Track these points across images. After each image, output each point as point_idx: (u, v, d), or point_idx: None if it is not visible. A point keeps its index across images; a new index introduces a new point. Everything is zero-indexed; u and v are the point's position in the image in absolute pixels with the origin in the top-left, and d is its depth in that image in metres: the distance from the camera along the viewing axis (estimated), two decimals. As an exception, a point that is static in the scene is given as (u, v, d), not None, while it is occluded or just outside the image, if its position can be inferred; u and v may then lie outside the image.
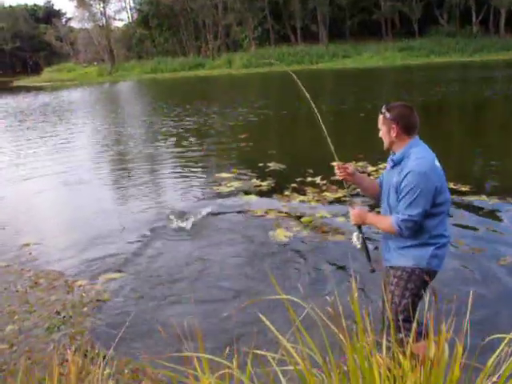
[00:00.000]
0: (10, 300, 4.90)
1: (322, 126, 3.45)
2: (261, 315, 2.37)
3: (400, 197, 3.01)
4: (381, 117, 3.10)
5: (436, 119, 14.60)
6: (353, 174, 3.32)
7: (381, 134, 3.14)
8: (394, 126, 3.02)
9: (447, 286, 4.22)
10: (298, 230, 6.25)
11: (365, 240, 3.34)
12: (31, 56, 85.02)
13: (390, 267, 3.28)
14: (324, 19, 52.01)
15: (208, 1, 56.69)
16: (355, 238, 3.34)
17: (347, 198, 3.52)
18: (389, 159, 3.23)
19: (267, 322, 2.28)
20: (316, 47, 49.56)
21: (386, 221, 3.14)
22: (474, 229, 5.97)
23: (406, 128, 3.03)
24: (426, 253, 3.12)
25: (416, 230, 3.06)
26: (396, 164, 3.10)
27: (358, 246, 3.33)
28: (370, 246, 3.65)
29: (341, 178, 3.35)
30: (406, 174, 2.95)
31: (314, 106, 3.32)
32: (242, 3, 54.31)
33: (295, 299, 2.37)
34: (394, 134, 3.04)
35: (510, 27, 45.79)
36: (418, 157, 2.98)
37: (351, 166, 3.35)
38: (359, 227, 3.31)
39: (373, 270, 3.30)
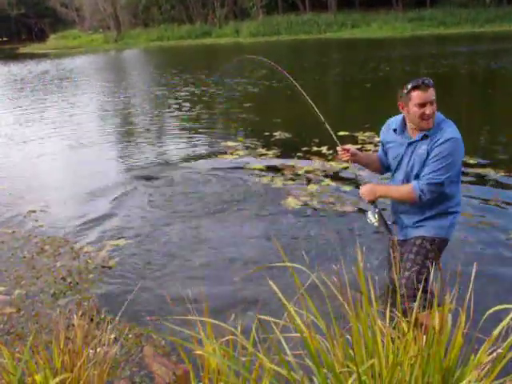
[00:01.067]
0: (17, 265, 4.94)
1: (317, 112, 3.69)
2: (269, 280, 2.39)
3: (429, 162, 3.00)
4: (432, 89, 3.03)
5: (442, 92, 14.44)
6: (355, 155, 3.44)
7: (433, 108, 3.04)
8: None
9: (453, 257, 4.22)
10: (307, 200, 6.24)
11: (381, 214, 3.29)
12: (36, 22, 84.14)
13: (404, 240, 3.30)
14: (333, -13, 51.12)
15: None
16: (371, 216, 3.30)
17: (356, 177, 3.48)
18: (392, 130, 3.30)
19: (274, 287, 2.29)
20: (324, 16, 48.71)
21: (403, 188, 3.13)
22: (484, 200, 5.93)
23: None
24: (446, 222, 3.18)
25: (436, 198, 3.08)
26: (427, 136, 3.07)
27: (375, 224, 3.29)
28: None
29: (344, 159, 3.49)
30: (443, 142, 2.96)
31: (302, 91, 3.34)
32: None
33: (301, 267, 2.37)
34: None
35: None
36: (452, 126, 3.04)
37: (352, 147, 3.47)
38: (373, 203, 3.28)
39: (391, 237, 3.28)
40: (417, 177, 3.12)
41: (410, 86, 3.03)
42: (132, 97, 17.41)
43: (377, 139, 8.58)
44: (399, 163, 3.25)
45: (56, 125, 12.41)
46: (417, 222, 3.21)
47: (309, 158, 7.90)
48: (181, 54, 39.02)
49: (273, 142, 9.11)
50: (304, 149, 8.39)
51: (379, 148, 3.59)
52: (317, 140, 8.79)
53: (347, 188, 6.55)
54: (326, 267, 3.64)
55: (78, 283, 4.50)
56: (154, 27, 60.11)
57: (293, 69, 21.29)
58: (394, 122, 3.36)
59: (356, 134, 8.87)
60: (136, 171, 8.03)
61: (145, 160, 8.69)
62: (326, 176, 7.06)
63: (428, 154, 3.02)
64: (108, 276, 4.64)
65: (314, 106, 3.49)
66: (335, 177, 7.03)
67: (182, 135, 10.63)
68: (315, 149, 8.37)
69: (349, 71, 19.44)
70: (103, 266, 4.82)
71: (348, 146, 3.46)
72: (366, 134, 8.95)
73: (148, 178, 7.58)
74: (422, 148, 3.05)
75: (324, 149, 8.29)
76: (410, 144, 3.17)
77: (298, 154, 8.13)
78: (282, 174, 7.25)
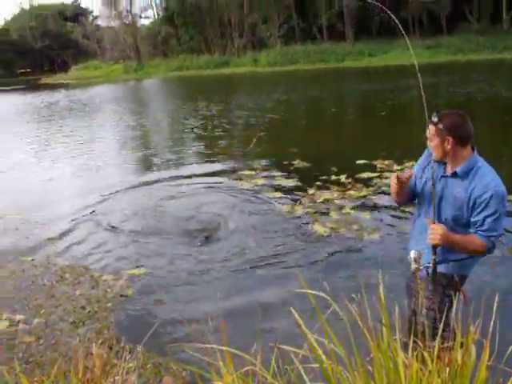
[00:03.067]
0: (37, 294, 4.97)
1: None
2: (292, 309, 2.36)
3: (484, 213, 2.84)
4: (432, 127, 2.92)
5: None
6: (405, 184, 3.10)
7: (431, 144, 2.96)
8: (448, 137, 2.86)
9: (478, 288, 4.15)
10: (334, 227, 6.24)
11: (436, 266, 2.94)
12: (59, 54, 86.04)
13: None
14: (351, 17, 51.62)
15: (234, -1, 56.76)
16: (415, 259, 2.95)
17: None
18: (434, 165, 2.98)
19: (296, 316, 2.27)
20: (342, 45, 49.15)
21: (475, 240, 2.89)
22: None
23: (462, 139, 2.88)
24: (469, 261, 3.09)
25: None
26: (459, 176, 2.92)
27: (415, 268, 2.95)
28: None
29: (396, 187, 3.08)
30: (490, 195, 2.81)
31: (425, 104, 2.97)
32: (268, 0, 54.19)
33: (323, 295, 2.35)
34: (448, 146, 2.88)
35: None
36: (495, 177, 2.89)
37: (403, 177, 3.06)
38: (434, 247, 2.90)
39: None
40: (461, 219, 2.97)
41: None
42: (153, 123, 17.63)
43: (395, 167, 8.54)
44: (429, 196, 3.02)
45: (71, 152, 12.60)
46: (458, 259, 3.05)
47: (328, 187, 7.88)
48: (199, 84, 39.55)
49: (291, 171, 9.11)
50: (323, 177, 8.37)
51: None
52: (335, 169, 8.78)
53: (367, 216, 6.53)
54: (348, 296, 3.60)
55: (96, 312, 4.51)
56: (173, 57, 61.06)
57: (310, 97, 21.46)
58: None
59: (374, 163, 8.85)
60: (153, 200, 8.08)
61: (165, 187, 8.73)
62: (345, 205, 7.03)
63: (474, 200, 2.86)
64: (127, 305, 4.64)
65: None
66: (355, 205, 7.00)
67: (201, 163, 10.69)
68: (334, 177, 8.36)
69: (365, 99, 19.51)
70: (121, 295, 4.82)
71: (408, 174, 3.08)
72: (386, 162, 8.92)
73: (167, 206, 7.63)
74: (463, 191, 2.89)
75: (343, 177, 8.27)
76: (443, 176, 3.01)
77: (317, 183, 8.11)
78: (301, 203, 7.23)
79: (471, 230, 2.90)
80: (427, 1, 47.38)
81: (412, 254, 2.97)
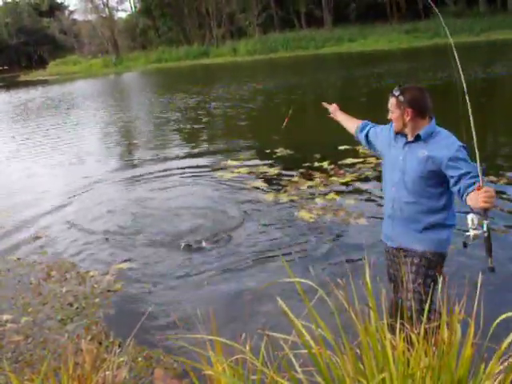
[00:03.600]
0: (24, 292, 4.94)
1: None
2: (278, 298, 2.38)
3: (460, 164, 2.87)
4: (393, 100, 3.08)
5: (440, 101, 14.49)
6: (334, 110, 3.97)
7: (392, 116, 3.11)
8: (408, 109, 3.01)
9: (459, 267, 4.21)
10: (320, 213, 6.27)
11: (490, 230, 2.70)
12: (36, 50, 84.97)
13: (401, 249, 3.23)
14: (328, 3, 51.56)
15: (211, -12, 56.38)
16: (474, 224, 2.69)
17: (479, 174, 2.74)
18: (396, 136, 3.20)
19: (283, 305, 2.29)
20: (321, 32, 49.07)
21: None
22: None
23: (421, 111, 3.03)
24: (444, 236, 3.13)
25: (434, 207, 3.08)
26: (422, 139, 3.04)
27: (474, 237, 2.69)
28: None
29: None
30: (457, 148, 2.91)
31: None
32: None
33: (308, 282, 2.37)
34: (408, 118, 3.03)
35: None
36: (455, 137, 3.03)
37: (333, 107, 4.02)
38: (485, 211, 2.66)
39: (492, 269, 2.70)
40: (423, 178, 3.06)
41: None
42: (131, 117, 17.52)
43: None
44: (393, 164, 3.20)
45: (56, 150, 12.48)
46: (414, 230, 3.15)
47: (311, 174, 7.90)
48: (178, 75, 39.29)
49: (275, 159, 9.13)
50: (306, 165, 8.40)
51: (371, 128, 3.60)
52: (318, 156, 8.81)
53: (352, 201, 6.58)
54: (336, 281, 3.62)
55: (84, 308, 4.50)
56: (152, 50, 60.57)
57: (292, 85, 21.44)
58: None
59: (357, 148, 8.89)
60: (137, 192, 8.06)
61: (148, 181, 8.71)
62: (330, 191, 7.06)
63: (445, 159, 2.90)
64: (114, 299, 4.63)
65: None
66: (338, 191, 7.04)
67: (182, 156, 10.64)
68: (316, 164, 8.39)
69: (345, 86, 19.53)
70: (109, 290, 4.81)
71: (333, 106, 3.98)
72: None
73: (151, 199, 7.62)
74: (422, 152, 3.02)
75: (325, 164, 8.31)
76: (403, 147, 3.16)
77: (301, 170, 8.14)
78: (285, 191, 7.25)
79: (455, 188, 2.91)
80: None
81: (470, 219, 2.70)
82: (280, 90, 20.28)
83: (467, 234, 2.69)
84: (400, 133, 3.16)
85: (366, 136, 3.58)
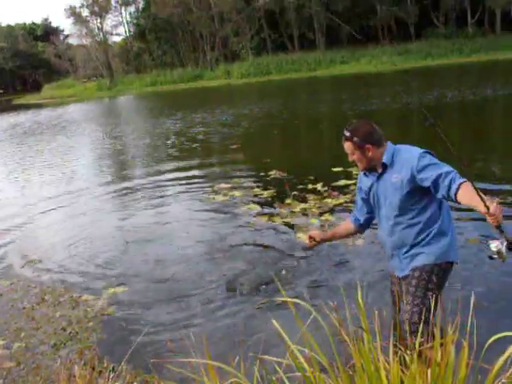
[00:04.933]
0: (17, 317, 4.90)
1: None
2: (272, 319, 2.37)
3: (428, 171, 2.87)
4: (349, 143, 3.09)
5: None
6: (321, 239, 3.59)
7: (354, 158, 3.12)
8: (367, 146, 3.05)
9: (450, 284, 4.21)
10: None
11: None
12: (31, 74, 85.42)
13: (405, 276, 3.19)
14: (320, 26, 52.20)
15: (204, 13, 56.90)
16: (500, 245, 2.62)
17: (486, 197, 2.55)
18: (363, 173, 3.27)
19: (277, 326, 2.28)
20: (313, 54, 49.55)
21: (468, 187, 2.67)
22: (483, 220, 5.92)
23: (378, 142, 3.08)
24: (443, 242, 3.08)
25: (424, 220, 3.07)
26: (389, 166, 3.07)
27: (499, 253, 2.63)
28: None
29: (309, 246, 3.65)
30: (419, 157, 2.92)
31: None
32: (239, 13, 54.55)
33: (301, 302, 2.37)
34: (370, 153, 3.07)
35: (505, 27, 45.98)
36: (415, 148, 3.06)
37: (316, 233, 3.62)
38: (499, 227, 2.58)
39: None
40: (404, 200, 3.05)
41: None
42: (125, 139, 17.57)
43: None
44: (379, 200, 3.21)
45: (49, 175, 12.48)
46: (412, 249, 3.12)
47: (305, 196, 7.91)
48: (172, 99, 39.53)
49: (268, 182, 9.14)
50: (299, 187, 8.41)
51: (357, 204, 3.50)
52: (311, 177, 8.83)
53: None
54: (328, 302, 3.62)
55: (78, 332, 4.46)
56: (147, 73, 60.94)
57: (286, 108, 21.59)
58: None
59: (350, 169, 8.93)
60: (130, 216, 8.06)
61: (141, 208, 8.70)
62: (324, 212, 7.06)
63: (414, 172, 2.92)
64: (108, 324, 4.60)
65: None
66: (334, 213, 7.03)
67: (176, 179, 10.63)
68: (310, 186, 8.40)
69: (337, 107, 19.66)
70: (102, 314, 4.78)
71: (312, 234, 3.61)
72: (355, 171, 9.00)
73: (143, 224, 7.61)
74: (397, 176, 3.03)
75: (319, 186, 8.32)
76: (377, 182, 3.17)
77: (294, 192, 8.14)
78: (278, 214, 7.25)
79: (439, 195, 2.88)
80: (394, 9, 48.29)
81: (493, 246, 2.66)
82: (273, 112, 20.44)
83: (494, 255, 2.66)
84: (368, 170, 3.19)
85: (367, 218, 3.49)
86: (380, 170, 3.13)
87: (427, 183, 2.88)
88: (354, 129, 3.07)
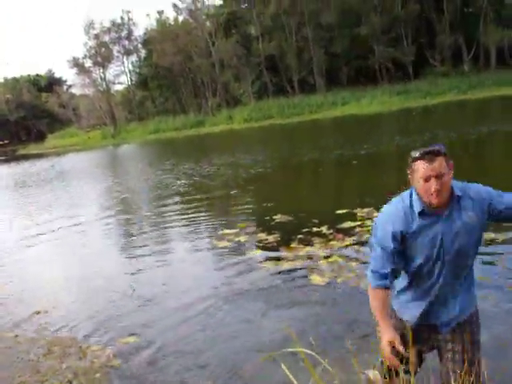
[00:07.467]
0: (22, 370, 4.83)
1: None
2: (284, 368, 2.33)
3: (498, 195, 2.60)
4: (441, 160, 2.47)
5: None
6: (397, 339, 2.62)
7: (443, 181, 2.47)
8: (450, 163, 2.54)
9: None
10: (332, 277, 6.23)
11: None
12: (35, 124, 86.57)
13: (453, 331, 2.73)
14: (320, 69, 53.11)
15: (205, 60, 58.02)
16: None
17: None
18: (418, 213, 2.58)
19: (291, 377, 2.25)
20: (314, 97, 50.14)
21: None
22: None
23: None
24: (474, 288, 2.83)
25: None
26: (461, 198, 2.57)
27: None
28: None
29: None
30: (487, 190, 2.62)
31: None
32: (239, 59, 55.62)
33: (311, 353, 2.35)
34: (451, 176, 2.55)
35: (500, 63, 46.88)
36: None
37: (392, 337, 2.62)
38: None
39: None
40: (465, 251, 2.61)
41: (413, 155, 2.52)
42: (127, 188, 17.67)
43: (375, 214, 8.57)
44: (433, 246, 2.58)
45: (52, 225, 12.52)
46: (469, 287, 2.76)
47: (310, 240, 7.88)
48: (175, 146, 39.86)
49: (273, 226, 9.11)
50: (304, 230, 8.40)
51: (386, 257, 2.67)
52: (316, 221, 8.82)
53: (353, 264, 6.52)
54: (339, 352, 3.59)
55: (84, 385, 4.40)
56: (149, 120, 61.69)
57: (285, 151, 21.75)
58: (404, 206, 2.64)
59: (355, 211, 8.94)
60: (133, 265, 8.04)
61: (147, 254, 8.68)
62: (331, 255, 7.03)
63: (486, 204, 2.57)
64: (114, 376, 4.54)
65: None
66: (341, 254, 6.98)
67: (180, 226, 10.64)
68: (315, 229, 8.39)
69: (338, 149, 19.77)
70: (107, 366, 4.71)
71: (390, 341, 2.60)
72: (365, 209, 8.99)
73: (149, 274, 7.59)
74: (469, 214, 2.55)
75: (324, 229, 8.31)
76: (448, 216, 2.56)
77: (299, 236, 8.13)
78: (283, 259, 7.21)
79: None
80: (391, 50, 49.24)
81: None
82: (276, 157, 20.58)
83: None
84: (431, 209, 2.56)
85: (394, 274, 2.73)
86: (452, 207, 2.56)
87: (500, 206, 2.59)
88: (438, 145, 2.52)
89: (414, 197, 2.59)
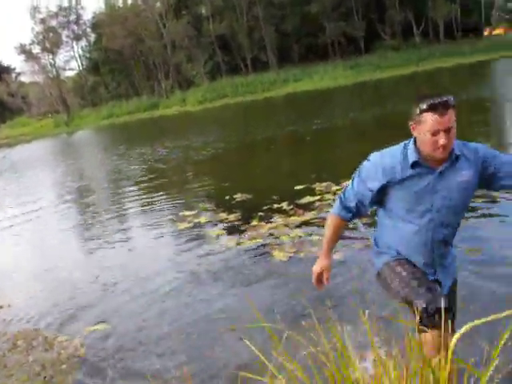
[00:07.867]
0: (-13, 367, 4.77)
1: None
2: (247, 342, 2.37)
3: (497, 155, 2.56)
4: (452, 112, 2.40)
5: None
6: (329, 266, 2.85)
7: (451, 135, 2.41)
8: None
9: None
10: (294, 252, 6.28)
11: None
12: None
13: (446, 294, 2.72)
14: (272, 47, 53.04)
15: (157, 42, 57.15)
16: None
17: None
18: (410, 165, 2.53)
19: (253, 348, 2.29)
20: (267, 75, 50.21)
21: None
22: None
23: None
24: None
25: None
26: (459, 157, 2.52)
27: None
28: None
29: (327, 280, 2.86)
30: (485, 149, 2.58)
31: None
32: (191, 40, 55.00)
33: (276, 326, 2.39)
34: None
35: (448, 36, 47.99)
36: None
37: (323, 265, 2.83)
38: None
39: None
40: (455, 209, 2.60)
41: (424, 106, 2.39)
42: (82, 176, 17.40)
43: (334, 188, 8.72)
44: (422, 199, 2.56)
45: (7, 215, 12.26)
46: (453, 255, 2.84)
47: (270, 216, 7.96)
48: (128, 130, 39.34)
49: (233, 205, 9.15)
50: (265, 208, 8.47)
51: (360, 196, 2.71)
52: (276, 197, 8.90)
53: (315, 238, 6.59)
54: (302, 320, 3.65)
55: (52, 377, 4.36)
56: (103, 105, 60.62)
57: (239, 131, 21.74)
58: (399, 154, 2.59)
59: (313, 186, 9.04)
60: (94, 252, 7.96)
61: (107, 240, 8.61)
62: (293, 230, 7.11)
63: (485, 162, 2.54)
64: (82, 365, 4.50)
65: None
66: (303, 230, 7.07)
67: (140, 211, 10.58)
68: (275, 206, 8.46)
69: (290, 126, 19.89)
70: (75, 356, 4.68)
71: (320, 267, 2.84)
72: (324, 184, 9.11)
73: (110, 258, 7.53)
74: (463, 174, 2.51)
75: (284, 205, 8.40)
76: (441, 173, 2.52)
77: (260, 213, 8.19)
78: (244, 237, 7.25)
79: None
80: (342, 25, 49.60)
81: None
82: (231, 137, 20.54)
83: None
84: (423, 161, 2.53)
85: (363, 211, 2.79)
86: (447, 164, 2.51)
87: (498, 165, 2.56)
88: (444, 94, 2.41)
89: (411, 146, 2.55)
